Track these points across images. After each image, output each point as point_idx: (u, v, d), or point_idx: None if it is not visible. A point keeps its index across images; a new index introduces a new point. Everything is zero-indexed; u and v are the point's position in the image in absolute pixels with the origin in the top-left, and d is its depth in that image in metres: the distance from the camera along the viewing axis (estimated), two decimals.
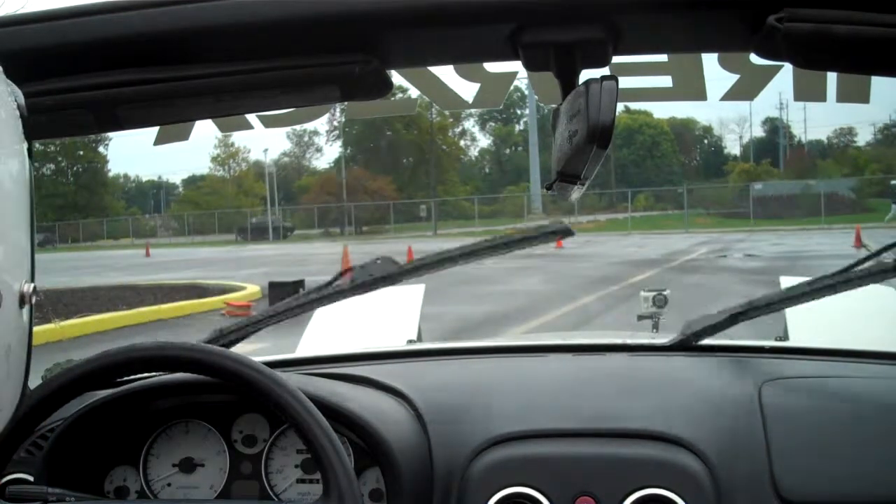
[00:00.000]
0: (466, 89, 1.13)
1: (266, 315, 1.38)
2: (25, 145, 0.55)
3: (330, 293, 1.35)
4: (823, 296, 1.29)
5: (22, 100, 0.56)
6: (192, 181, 64.15)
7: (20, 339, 0.52)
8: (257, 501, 1.14)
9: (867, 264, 1.25)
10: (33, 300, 0.53)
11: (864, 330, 1.97)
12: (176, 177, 75.87)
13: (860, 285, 1.25)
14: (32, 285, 0.53)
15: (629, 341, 1.46)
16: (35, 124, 0.79)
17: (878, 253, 1.24)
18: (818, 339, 1.55)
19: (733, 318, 1.32)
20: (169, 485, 1.15)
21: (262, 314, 1.39)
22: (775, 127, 61.69)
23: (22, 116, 0.55)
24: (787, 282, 2.26)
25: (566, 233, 1.36)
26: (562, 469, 1.05)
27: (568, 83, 0.71)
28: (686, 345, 1.39)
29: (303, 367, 1.38)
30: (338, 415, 1.04)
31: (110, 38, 0.72)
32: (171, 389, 1.11)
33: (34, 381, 1.15)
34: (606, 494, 1.02)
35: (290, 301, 1.38)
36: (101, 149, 52.27)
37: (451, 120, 54.68)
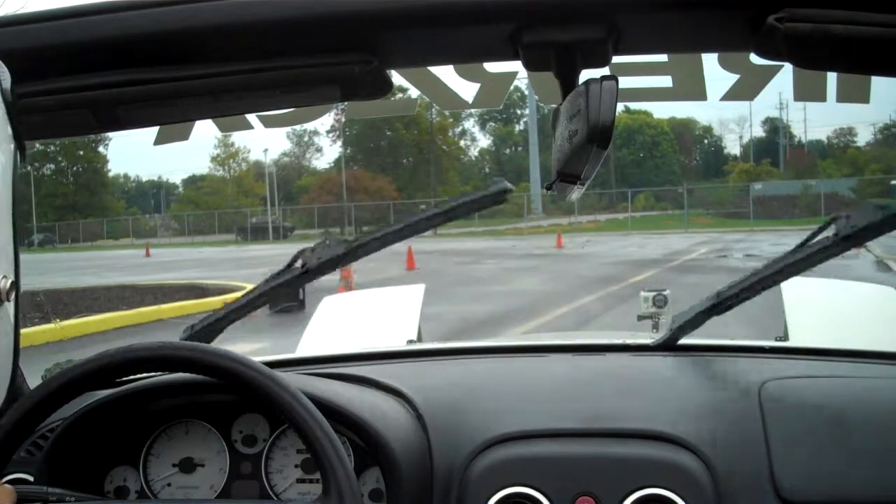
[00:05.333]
0: (466, 89, 1.13)
1: (232, 308, 1.35)
2: (12, 141, 0.53)
3: (287, 279, 1.32)
4: (786, 277, 1.28)
5: (8, 83, 0.54)
6: (192, 181, 64.13)
7: (4, 333, 0.51)
8: (257, 501, 1.14)
9: (818, 239, 1.24)
10: (11, 296, 0.51)
11: (864, 330, 1.97)
12: (176, 177, 75.93)
13: (818, 261, 1.24)
14: (10, 281, 0.51)
15: (629, 341, 1.46)
16: (35, 124, 0.79)
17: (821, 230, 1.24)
18: (818, 339, 1.55)
19: (709, 311, 1.32)
20: (169, 485, 1.15)
21: (226, 309, 1.36)
22: (775, 127, 61.67)
23: (7, 105, 0.53)
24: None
25: (506, 191, 1.26)
26: (562, 469, 1.05)
27: (568, 83, 0.71)
28: (685, 345, 1.39)
29: (303, 367, 1.38)
30: (338, 415, 1.04)
31: (111, 38, 0.72)
32: (171, 389, 1.11)
33: (34, 382, 1.16)
34: (606, 494, 1.02)
35: (248, 294, 1.34)
36: (101, 149, 52.28)
37: (451, 120, 54.75)
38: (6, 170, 0.51)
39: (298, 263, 1.30)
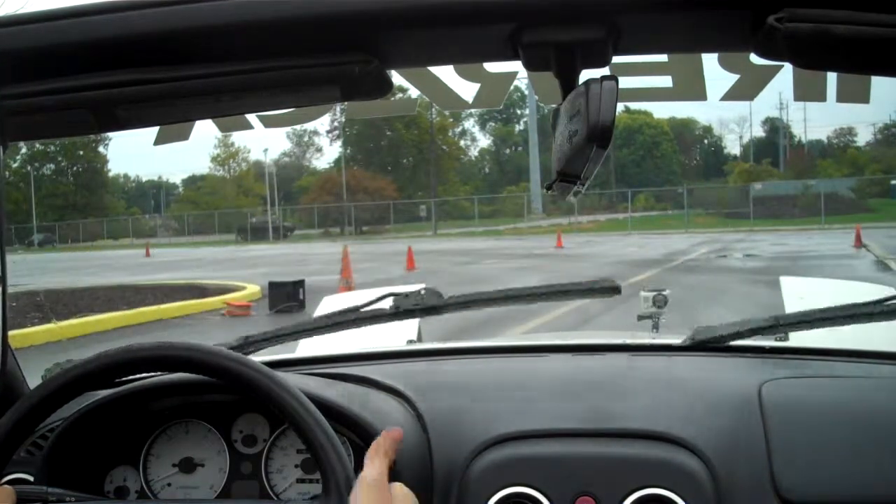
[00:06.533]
0: (466, 89, 1.13)
1: (299, 329, 1.43)
2: None
3: (369, 316, 1.39)
4: (854, 323, 1.32)
5: None
6: (192, 181, 64.15)
7: None
8: (257, 501, 1.14)
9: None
10: None
11: (864, 330, 1.97)
12: (176, 177, 75.89)
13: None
14: None
15: (629, 341, 1.46)
16: (35, 124, 0.79)
17: None
18: (818, 339, 1.55)
19: (753, 331, 1.34)
20: (169, 485, 1.15)
21: (294, 327, 1.43)
22: (775, 127, 61.71)
23: None
24: (787, 282, 2.26)
25: (614, 291, 1.42)
26: (562, 469, 1.05)
27: (568, 83, 0.71)
28: (686, 345, 1.39)
29: (303, 367, 1.38)
30: (338, 415, 1.04)
31: (110, 38, 0.72)
32: (171, 389, 1.11)
33: (34, 382, 1.16)
34: (606, 494, 1.02)
35: (324, 318, 1.42)
36: (101, 149, 52.34)
37: (451, 120, 54.81)
38: None
39: (389, 303, 1.40)
